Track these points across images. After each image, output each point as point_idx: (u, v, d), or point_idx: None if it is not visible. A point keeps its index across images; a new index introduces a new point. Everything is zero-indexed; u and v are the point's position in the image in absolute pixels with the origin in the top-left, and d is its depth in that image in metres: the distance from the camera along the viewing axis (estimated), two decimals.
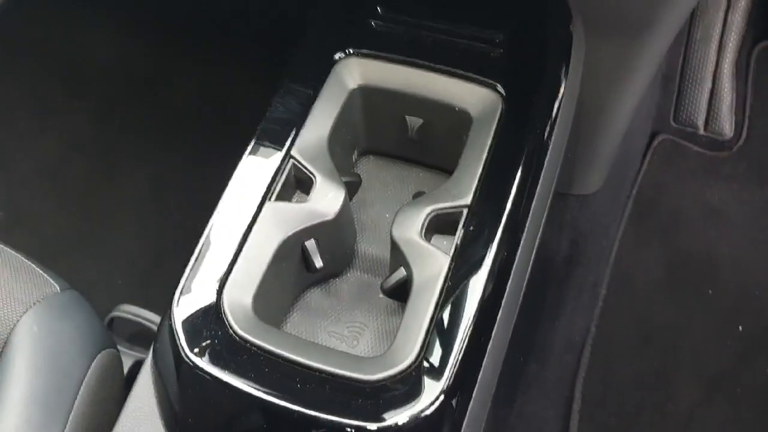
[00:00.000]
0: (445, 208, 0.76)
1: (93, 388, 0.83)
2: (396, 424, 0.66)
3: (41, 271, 0.88)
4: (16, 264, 0.88)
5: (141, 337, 1.10)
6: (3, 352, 0.81)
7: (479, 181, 0.78)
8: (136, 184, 1.54)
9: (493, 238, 0.75)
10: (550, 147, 0.83)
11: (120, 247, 1.45)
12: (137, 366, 0.97)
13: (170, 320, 0.73)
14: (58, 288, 0.87)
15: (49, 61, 1.70)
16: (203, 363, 0.70)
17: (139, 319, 1.09)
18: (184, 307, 0.73)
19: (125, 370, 0.94)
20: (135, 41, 1.70)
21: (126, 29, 1.70)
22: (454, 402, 0.69)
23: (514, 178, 0.78)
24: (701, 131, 1.45)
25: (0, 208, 1.51)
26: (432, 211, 0.76)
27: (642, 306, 1.29)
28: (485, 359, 0.72)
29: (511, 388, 1.16)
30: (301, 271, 0.80)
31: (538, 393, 1.18)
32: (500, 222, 0.76)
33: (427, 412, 0.67)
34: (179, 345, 0.71)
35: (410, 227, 0.75)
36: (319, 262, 0.78)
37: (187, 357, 0.71)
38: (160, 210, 1.49)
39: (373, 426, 0.66)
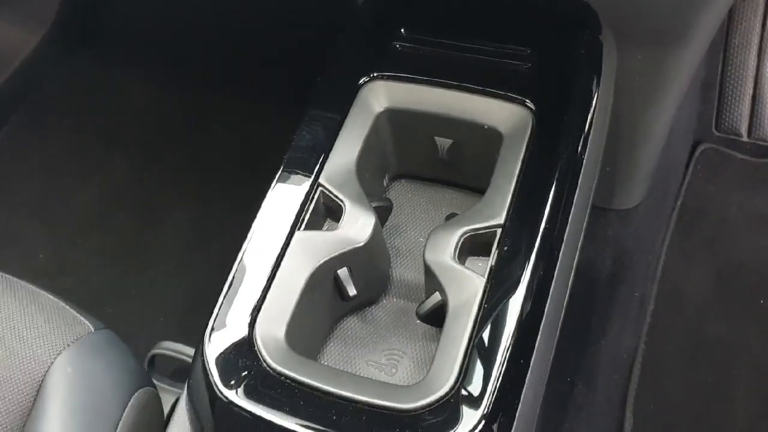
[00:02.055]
0: (478, 229, 0.75)
1: (131, 427, 0.82)
2: None
3: (75, 313, 0.88)
4: (50, 307, 0.88)
5: (182, 373, 1.10)
6: (38, 394, 0.81)
7: (512, 199, 0.76)
8: (176, 230, 1.55)
9: (529, 258, 0.73)
10: (585, 161, 0.81)
11: (162, 290, 1.47)
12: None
13: (203, 356, 0.72)
14: (92, 328, 0.87)
15: (89, 117, 1.74)
16: (237, 398, 0.69)
17: (180, 356, 1.08)
18: (217, 341, 0.72)
19: (167, 407, 0.93)
20: (169, 95, 1.73)
21: (160, 84, 1.74)
22: (494, 428, 0.66)
23: (548, 195, 0.76)
24: (745, 138, 1.41)
25: (42, 254, 1.53)
26: (464, 233, 0.74)
27: (692, 321, 1.25)
28: (526, 382, 0.70)
29: (559, 411, 1.13)
30: (335, 300, 0.79)
31: (588, 415, 1.15)
32: (535, 241, 0.74)
33: None
34: (212, 380, 0.70)
35: (443, 250, 0.74)
36: (352, 290, 0.77)
37: (221, 392, 0.70)
38: (200, 252, 1.50)
39: None
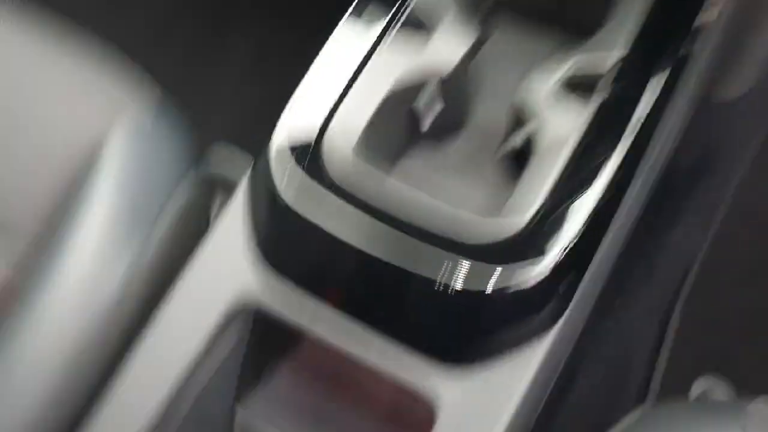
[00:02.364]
0: (583, 72, 0.69)
1: (182, 204, 0.80)
2: (502, 287, 0.61)
3: (136, 84, 0.84)
4: (112, 75, 0.84)
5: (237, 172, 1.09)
6: (92, 162, 0.78)
7: (628, 41, 0.70)
8: (246, 42, 1.52)
9: (633, 111, 0.68)
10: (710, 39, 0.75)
11: (225, 96, 1.45)
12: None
13: (267, 157, 0.69)
14: (153, 99, 0.83)
15: None
16: (298, 205, 0.66)
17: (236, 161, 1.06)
18: (282, 145, 0.69)
19: (218, 198, 0.91)
20: None
21: None
22: (567, 274, 0.64)
23: (665, 51, 0.71)
24: None
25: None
26: (566, 74, 0.69)
27: (759, 238, 1.21)
28: (604, 238, 0.66)
29: (612, 293, 1.11)
30: (407, 130, 0.74)
31: (638, 303, 1.12)
32: (641, 95, 0.68)
33: (538, 279, 0.62)
34: (274, 181, 0.67)
35: (539, 89, 0.69)
36: (427, 122, 0.72)
37: (282, 197, 0.67)
38: (270, 62, 1.47)
39: (476, 288, 0.61)
